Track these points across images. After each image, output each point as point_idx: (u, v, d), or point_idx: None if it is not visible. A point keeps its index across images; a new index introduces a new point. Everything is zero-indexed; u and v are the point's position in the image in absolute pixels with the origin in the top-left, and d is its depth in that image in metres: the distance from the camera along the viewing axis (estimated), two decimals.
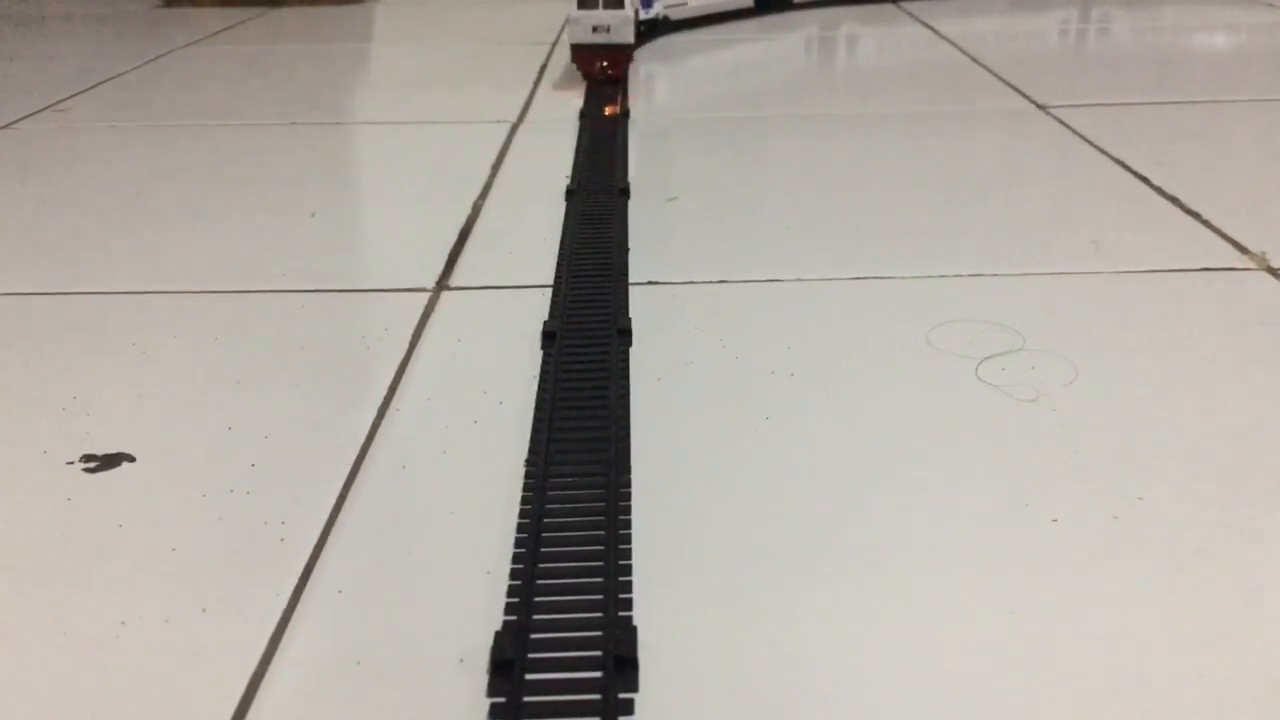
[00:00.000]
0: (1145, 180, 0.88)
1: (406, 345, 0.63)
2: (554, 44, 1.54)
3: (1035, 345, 0.61)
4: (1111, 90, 1.20)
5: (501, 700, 0.37)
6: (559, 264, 0.74)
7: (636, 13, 1.30)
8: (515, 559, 0.44)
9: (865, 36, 1.57)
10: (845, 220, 0.82)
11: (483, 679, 0.38)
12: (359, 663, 0.39)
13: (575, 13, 1.20)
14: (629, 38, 1.20)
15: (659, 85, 1.31)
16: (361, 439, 0.54)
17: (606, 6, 1.19)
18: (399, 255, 0.78)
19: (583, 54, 1.22)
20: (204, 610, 0.42)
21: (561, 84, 1.29)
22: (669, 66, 1.41)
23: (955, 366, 0.59)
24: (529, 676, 0.37)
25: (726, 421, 0.55)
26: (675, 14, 1.57)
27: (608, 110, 1.12)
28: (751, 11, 1.70)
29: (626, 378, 0.58)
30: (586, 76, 1.24)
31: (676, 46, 1.51)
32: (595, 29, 1.19)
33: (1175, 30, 1.57)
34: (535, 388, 0.57)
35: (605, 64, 1.22)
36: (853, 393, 0.57)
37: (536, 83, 1.30)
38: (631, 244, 0.78)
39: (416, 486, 0.50)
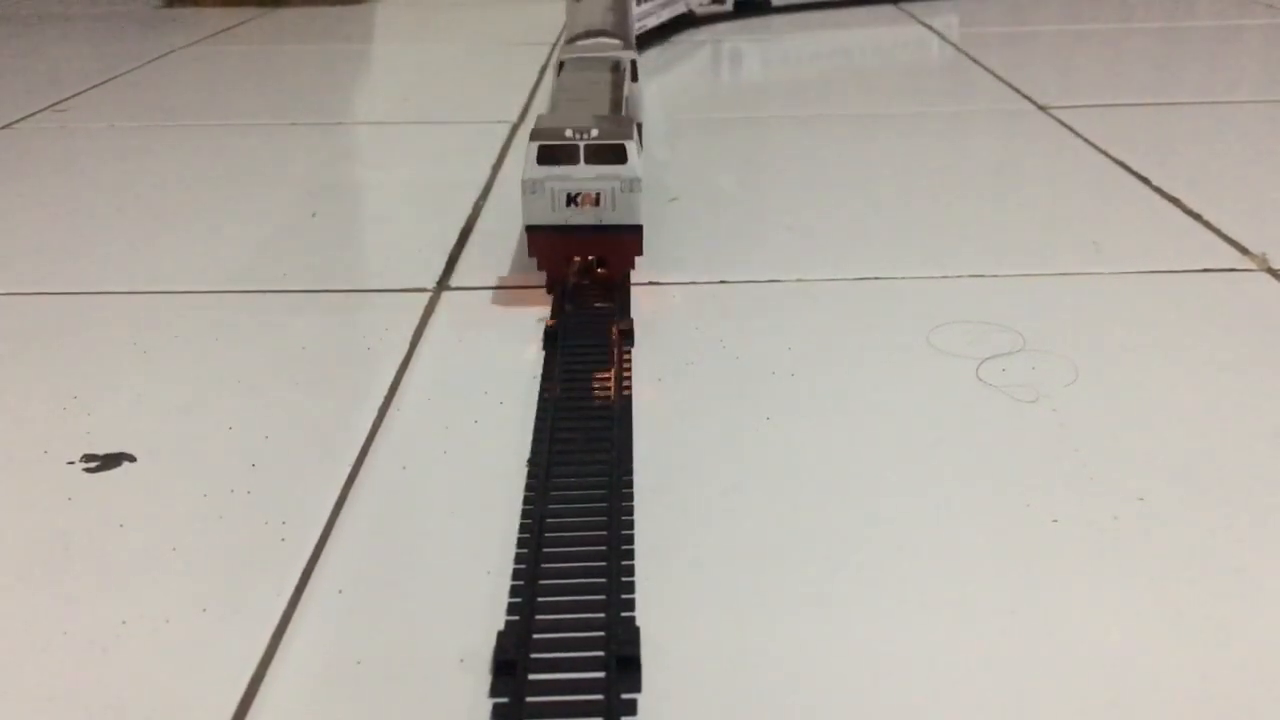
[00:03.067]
0: (1146, 181, 0.88)
1: (407, 345, 0.63)
2: (554, 44, 1.54)
3: (1036, 346, 0.61)
4: (1112, 91, 1.20)
5: (504, 700, 0.37)
6: None
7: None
8: (517, 559, 0.44)
9: (865, 37, 1.57)
10: (845, 220, 0.82)
11: (483, 679, 0.38)
12: (359, 663, 0.39)
13: (534, 171, 0.65)
14: (637, 214, 0.66)
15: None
16: (361, 439, 0.54)
17: (592, 159, 0.65)
18: (399, 255, 0.78)
19: (550, 243, 0.67)
20: (204, 610, 0.42)
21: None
22: (656, 69, 1.41)
23: (956, 367, 0.59)
24: (531, 676, 0.37)
25: (727, 422, 0.55)
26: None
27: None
28: (731, 15, 1.68)
29: (628, 378, 0.58)
30: (557, 280, 0.68)
31: (659, 48, 1.51)
32: (574, 200, 0.65)
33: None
34: (536, 388, 0.57)
35: (593, 260, 0.68)
36: (853, 393, 0.57)
37: (537, 83, 1.30)
38: None
39: (416, 486, 0.50)
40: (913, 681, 0.38)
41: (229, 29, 1.74)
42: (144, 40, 1.66)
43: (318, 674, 0.39)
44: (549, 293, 0.67)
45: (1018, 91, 1.20)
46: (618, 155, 0.65)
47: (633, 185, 0.65)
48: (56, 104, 1.25)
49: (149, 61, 1.49)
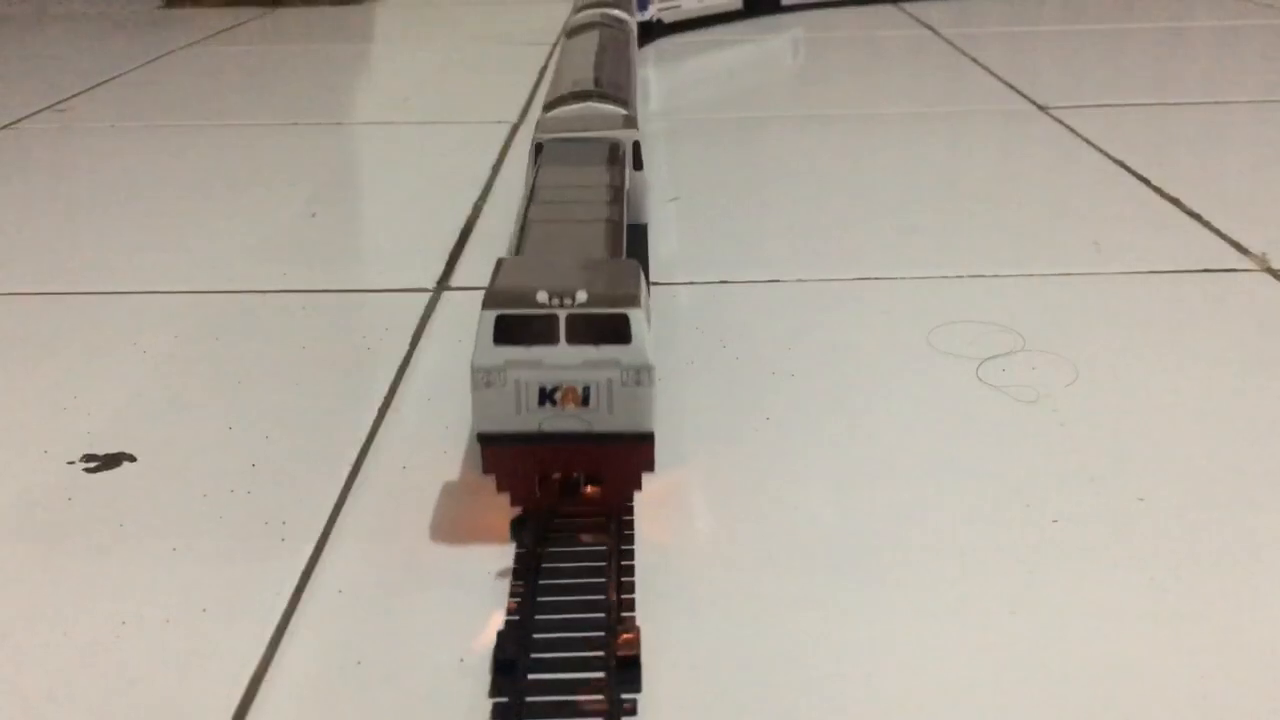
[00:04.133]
0: (1145, 181, 0.88)
1: (407, 345, 0.63)
2: (553, 45, 1.54)
3: (1035, 346, 0.61)
4: (1112, 91, 1.20)
5: (504, 700, 0.37)
6: None
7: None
8: (517, 559, 0.43)
9: (865, 37, 1.57)
10: (845, 220, 0.82)
11: (483, 679, 0.38)
12: (359, 662, 0.39)
13: (489, 354, 0.44)
14: (646, 416, 0.44)
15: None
16: (361, 439, 0.54)
17: (578, 335, 0.43)
18: (399, 255, 0.78)
19: (515, 458, 0.45)
20: (204, 610, 0.42)
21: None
22: (660, 67, 1.41)
23: (956, 367, 0.59)
24: (531, 676, 0.37)
25: (727, 422, 0.55)
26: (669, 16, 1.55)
27: None
28: (742, 14, 1.68)
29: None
30: (525, 511, 0.45)
31: (670, 48, 1.51)
32: (551, 397, 0.44)
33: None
34: None
35: (578, 476, 0.45)
36: (853, 393, 0.57)
37: (537, 83, 1.30)
38: None
39: (416, 486, 0.50)
40: (913, 681, 0.38)
41: (229, 29, 1.74)
42: (144, 40, 1.66)
43: (318, 674, 0.39)
44: (513, 537, 0.44)
45: (1018, 91, 1.20)
46: (617, 330, 0.43)
47: (640, 375, 0.43)
48: (57, 104, 1.25)
49: (149, 61, 1.49)
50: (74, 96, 1.28)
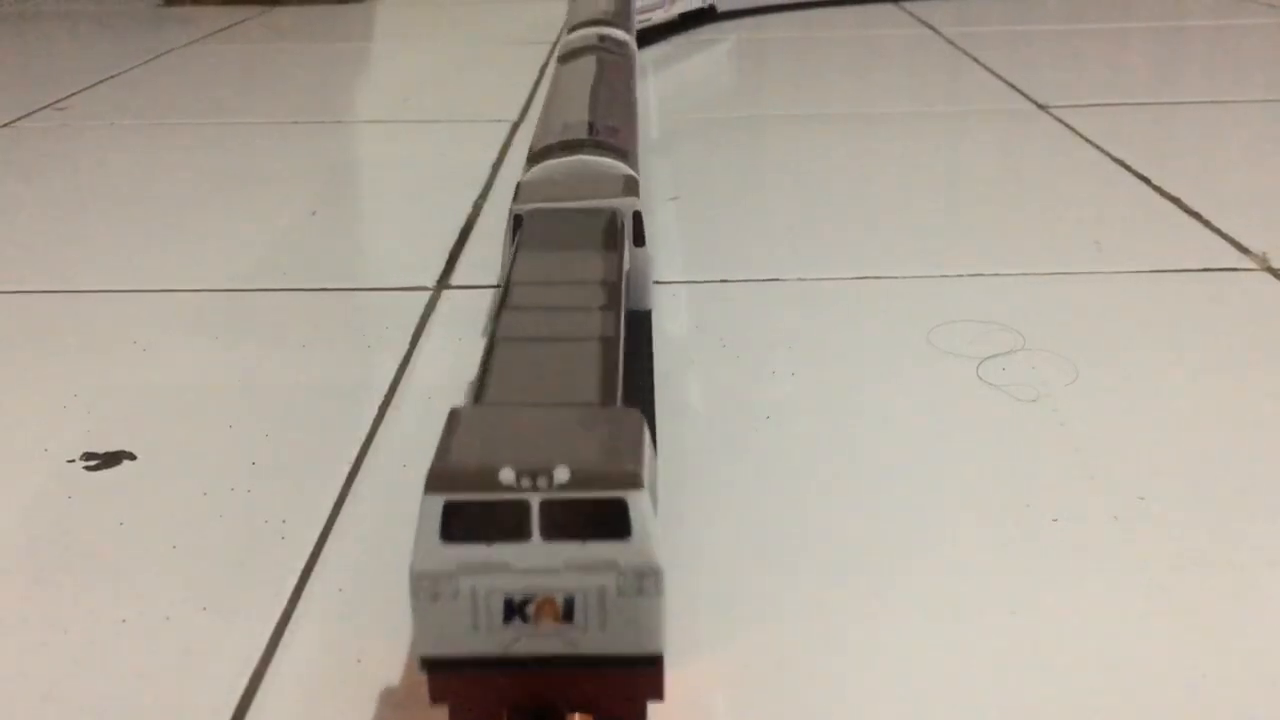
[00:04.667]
0: (1146, 180, 0.88)
1: (407, 345, 0.63)
2: (553, 45, 1.54)
3: (1036, 345, 0.61)
4: (1112, 90, 1.20)
5: None
6: None
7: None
8: None
9: (865, 37, 1.57)
10: (845, 220, 0.82)
11: None
12: (359, 661, 0.39)
13: (436, 556, 0.32)
14: (653, 634, 0.33)
15: None
16: (361, 439, 0.54)
17: (557, 529, 0.31)
18: (399, 254, 0.78)
19: (473, 688, 0.32)
20: (204, 608, 0.42)
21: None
22: (659, 67, 1.41)
23: (956, 366, 0.59)
24: None
25: (727, 421, 0.55)
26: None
27: None
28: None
29: None
30: None
31: (668, 48, 1.51)
32: (521, 611, 0.32)
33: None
34: None
35: (562, 709, 0.33)
36: (853, 393, 0.57)
37: (537, 83, 1.30)
38: None
39: (417, 486, 0.50)
40: (912, 681, 0.38)
41: (228, 28, 1.74)
42: (144, 38, 1.66)
43: (318, 674, 0.39)
44: None
45: (1018, 91, 1.20)
46: (611, 521, 0.32)
47: (643, 581, 0.32)
48: (56, 102, 1.25)
49: (149, 60, 1.49)
50: (73, 95, 1.28)
